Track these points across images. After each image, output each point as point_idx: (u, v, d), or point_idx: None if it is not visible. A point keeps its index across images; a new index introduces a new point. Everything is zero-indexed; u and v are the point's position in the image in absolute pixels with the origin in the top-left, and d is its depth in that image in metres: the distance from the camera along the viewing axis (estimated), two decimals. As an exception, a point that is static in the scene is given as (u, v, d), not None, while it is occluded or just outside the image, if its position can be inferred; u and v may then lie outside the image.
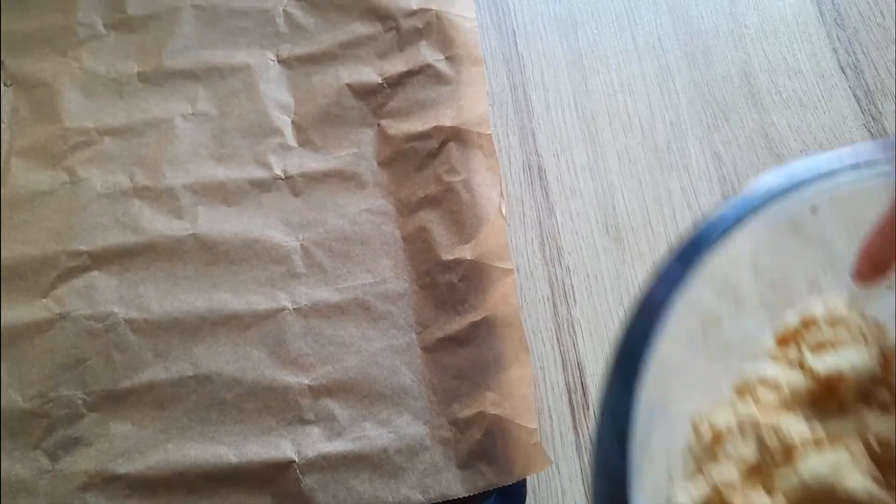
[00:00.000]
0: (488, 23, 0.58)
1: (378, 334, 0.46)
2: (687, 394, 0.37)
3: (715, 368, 0.38)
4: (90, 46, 0.55)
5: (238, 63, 0.55)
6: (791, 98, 0.47)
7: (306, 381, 0.45)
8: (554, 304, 0.45)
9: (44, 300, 0.47)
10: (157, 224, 0.49)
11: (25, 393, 0.45)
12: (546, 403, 0.46)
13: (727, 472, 0.34)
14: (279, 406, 0.44)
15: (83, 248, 0.49)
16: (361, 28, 0.55)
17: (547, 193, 0.52)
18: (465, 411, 0.44)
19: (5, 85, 0.54)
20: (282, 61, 0.55)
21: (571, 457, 0.45)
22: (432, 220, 0.49)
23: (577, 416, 0.43)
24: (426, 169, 0.50)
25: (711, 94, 0.48)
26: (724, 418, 0.36)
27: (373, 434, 0.44)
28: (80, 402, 0.45)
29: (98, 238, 0.49)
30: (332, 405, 0.45)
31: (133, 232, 0.49)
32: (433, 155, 0.51)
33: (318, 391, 0.45)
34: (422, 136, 0.51)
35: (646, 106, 0.51)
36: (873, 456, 0.33)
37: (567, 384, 0.43)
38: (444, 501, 0.42)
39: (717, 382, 0.38)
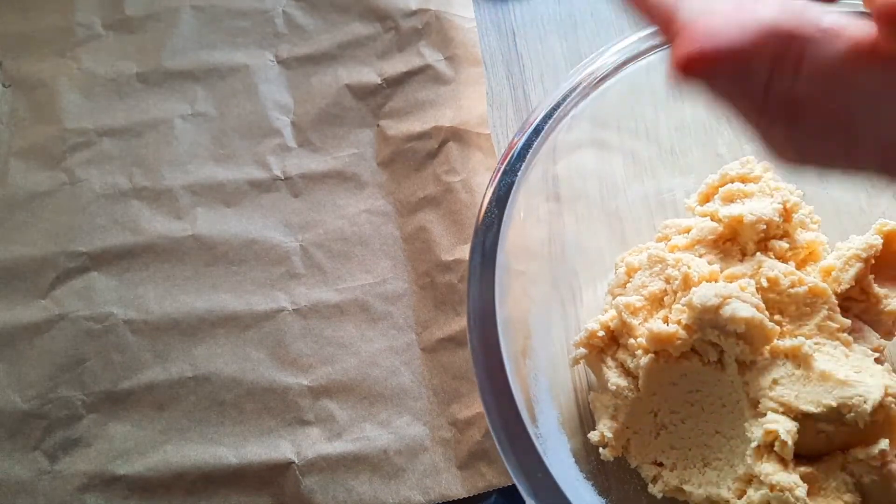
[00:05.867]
0: (488, 23, 0.58)
1: (377, 335, 0.46)
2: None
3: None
4: (89, 47, 0.55)
5: (237, 63, 0.54)
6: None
7: (306, 382, 0.45)
8: (562, 304, 0.45)
9: (43, 301, 0.47)
10: (157, 225, 0.49)
11: (24, 394, 0.45)
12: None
13: (632, 299, 0.39)
14: (279, 407, 0.44)
15: (82, 248, 0.49)
16: (361, 28, 0.55)
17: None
18: (464, 412, 0.44)
19: (3, 86, 0.54)
20: (281, 62, 0.55)
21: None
22: (432, 221, 0.49)
23: (583, 415, 0.43)
24: (425, 169, 0.50)
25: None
26: (638, 258, 0.42)
27: (372, 435, 0.44)
28: (80, 403, 0.45)
29: (97, 239, 0.49)
30: (331, 406, 0.44)
31: (132, 233, 0.49)
32: (432, 155, 0.51)
33: (317, 392, 0.45)
34: (421, 136, 0.51)
35: (650, 108, 0.51)
36: (761, 291, 0.38)
37: (574, 384, 0.44)
38: (444, 502, 0.42)
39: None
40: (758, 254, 0.40)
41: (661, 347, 0.37)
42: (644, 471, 0.39)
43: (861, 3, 0.28)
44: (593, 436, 0.39)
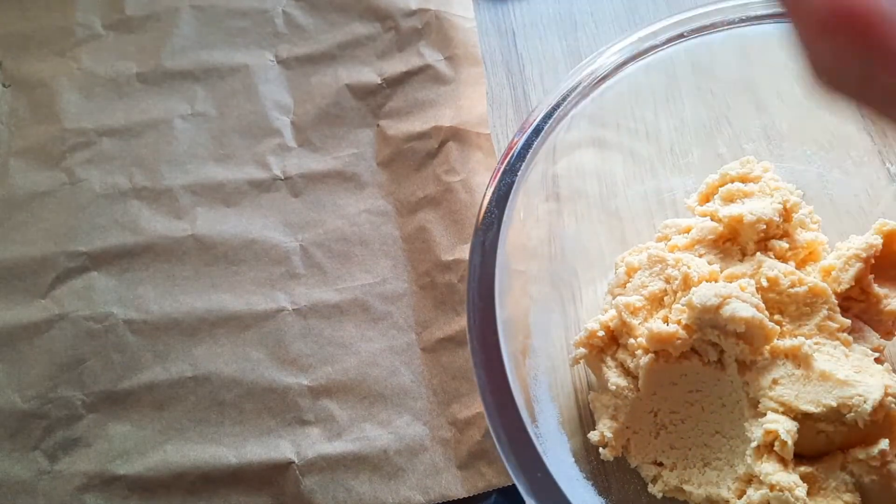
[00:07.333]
0: (487, 23, 0.58)
1: (377, 335, 0.46)
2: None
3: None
4: (89, 47, 0.55)
5: (237, 63, 0.54)
6: (792, 102, 0.47)
7: (305, 382, 0.45)
8: (562, 304, 0.45)
9: (42, 301, 0.47)
10: (156, 225, 0.49)
11: (24, 394, 0.45)
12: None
13: (632, 299, 0.40)
14: (278, 407, 0.44)
15: (82, 248, 0.49)
16: (360, 28, 0.55)
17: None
18: (464, 411, 0.44)
19: (3, 86, 0.54)
20: (281, 62, 0.55)
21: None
22: (431, 221, 0.49)
23: (583, 415, 0.43)
24: (425, 169, 0.50)
25: (714, 96, 0.48)
26: (638, 258, 0.42)
27: (372, 435, 0.44)
28: (79, 402, 0.45)
29: (97, 239, 0.49)
30: (331, 406, 0.44)
31: (132, 233, 0.49)
32: (432, 155, 0.50)
33: (317, 392, 0.45)
34: (421, 136, 0.51)
35: (649, 108, 0.51)
36: (761, 291, 0.38)
37: (574, 384, 0.44)
38: (444, 502, 0.42)
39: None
40: (758, 254, 0.40)
41: (661, 347, 0.37)
42: (644, 471, 0.39)
43: None
44: (593, 436, 0.39)
